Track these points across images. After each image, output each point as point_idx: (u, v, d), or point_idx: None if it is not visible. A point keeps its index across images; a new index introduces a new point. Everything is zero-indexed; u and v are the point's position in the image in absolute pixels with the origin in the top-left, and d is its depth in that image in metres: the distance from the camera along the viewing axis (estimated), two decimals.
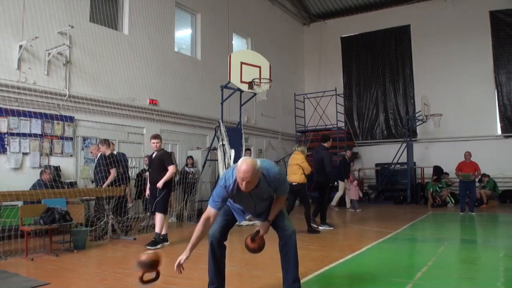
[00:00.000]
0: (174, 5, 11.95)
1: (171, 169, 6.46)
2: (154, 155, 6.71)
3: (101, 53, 9.50)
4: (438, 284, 4.10)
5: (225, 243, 3.52)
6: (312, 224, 7.73)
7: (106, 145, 7.47)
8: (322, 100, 15.61)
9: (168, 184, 6.56)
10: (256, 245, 3.51)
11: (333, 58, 18.37)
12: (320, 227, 8.02)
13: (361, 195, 13.24)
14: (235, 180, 3.23)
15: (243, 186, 3.14)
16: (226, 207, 3.54)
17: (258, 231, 3.49)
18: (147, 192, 6.84)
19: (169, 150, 10.21)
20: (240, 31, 14.93)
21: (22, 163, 7.97)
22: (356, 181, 12.66)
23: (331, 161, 8.33)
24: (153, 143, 6.58)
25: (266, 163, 3.37)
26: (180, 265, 3.20)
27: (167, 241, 6.56)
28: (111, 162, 7.30)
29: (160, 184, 6.37)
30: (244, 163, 3.15)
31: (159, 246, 6.30)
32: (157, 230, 6.42)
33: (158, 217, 6.42)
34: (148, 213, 7.88)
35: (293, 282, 3.46)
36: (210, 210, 3.32)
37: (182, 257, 3.20)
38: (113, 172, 7.24)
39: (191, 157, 10.79)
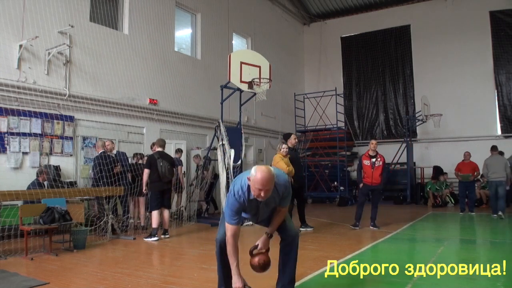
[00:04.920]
0: (174, 5, 11.94)
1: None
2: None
3: (101, 53, 9.49)
4: (438, 284, 4.11)
5: None
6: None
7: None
8: (322, 100, 15.58)
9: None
10: (257, 261, 3.36)
11: (333, 58, 18.35)
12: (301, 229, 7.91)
13: None
14: (248, 189, 3.14)
15: (262, 195, 3.03)
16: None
17: (257, 246, 3.42)
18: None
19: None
20: (240, 31, 14.92)
21: (22, 162, 7.96)
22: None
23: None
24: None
25: (276, 170, 3.26)
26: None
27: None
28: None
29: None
30: (260, 172, 3.00)
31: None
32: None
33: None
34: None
35: (289, 283, 3.46)
36: (232, 227, 3.22)
37: (237, 284, 3.24)
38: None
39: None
